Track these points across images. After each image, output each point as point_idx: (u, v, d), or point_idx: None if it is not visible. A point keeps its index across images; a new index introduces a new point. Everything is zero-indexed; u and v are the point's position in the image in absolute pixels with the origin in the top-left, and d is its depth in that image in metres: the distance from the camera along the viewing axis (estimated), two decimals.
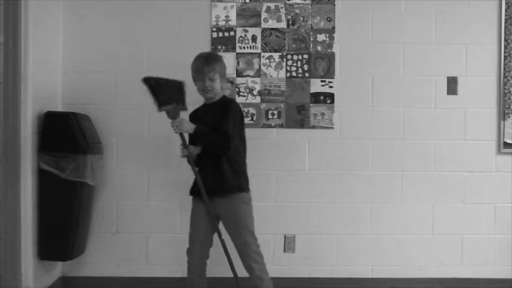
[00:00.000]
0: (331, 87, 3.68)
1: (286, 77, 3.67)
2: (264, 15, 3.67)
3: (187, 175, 3.62)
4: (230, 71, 3.65)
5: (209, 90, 2.94)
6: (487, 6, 3.69)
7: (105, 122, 3.61)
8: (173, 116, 2.90)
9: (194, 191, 2.98)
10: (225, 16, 3.66)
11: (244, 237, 2.89)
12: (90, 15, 3.64)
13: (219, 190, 2.89)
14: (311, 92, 3.68)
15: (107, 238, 3.63)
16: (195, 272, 2.97)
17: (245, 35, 3.67)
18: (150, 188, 3.64)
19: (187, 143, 2.97)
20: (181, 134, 2.92)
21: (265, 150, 3.65)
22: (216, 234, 2.97)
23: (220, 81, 2.98)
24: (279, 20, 3.68)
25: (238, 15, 3.67)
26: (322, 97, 3.68)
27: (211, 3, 3.66)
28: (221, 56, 3.07)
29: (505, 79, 3.69)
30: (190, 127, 2.89)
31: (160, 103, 2.89)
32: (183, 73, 3.65)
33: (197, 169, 2.94)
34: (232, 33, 3.67)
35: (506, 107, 3.69)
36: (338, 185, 3.68)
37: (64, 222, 3.26)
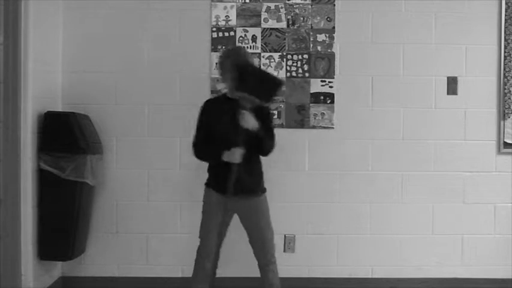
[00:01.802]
0: (331, 87, 3.68)
1: (286, 77, 3.67)
2: (264, 15, 3.67)
3: (187, 175, 3.64)
4: None
5: (233, 91, 2.89)
6: (487, 6, 3.69)
7: (105, 122, 3.61)
8: (243, 106, 2.76)
9: (220, 187, 2.88)
10: (225, 16, 3.66)
11: (267, 239, 2.93)
12: (90, 15, 3.64)
13: (252, 190, 2.91)
14: (311, 92, 3.68)
15: (107, 238, 3.63)
16: (206, 267, 2.93)
17: (245, 35, 3.67)
18: (150, 188, 3.64)
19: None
20: (242, 131, 2.75)
21: None
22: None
23: None
24: (279, 20, 3.68)
25: (238, 15, 3.67)
26: (322, 97, 3.68)
27: (211, 3, 3.66)
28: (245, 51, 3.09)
29: (505, 79, 3.69)
30: (254, 124, 2.76)
31: (237, 87, 2.78)
32: (183, 73, 3.67)
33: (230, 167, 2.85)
34: (232, 33, 3.67)
35: (506, 107, 3.69)
36: (338, 185, 3.68)
37: (64, 222, 3.26)
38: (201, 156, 2.97)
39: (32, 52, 3.16)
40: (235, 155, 2.76)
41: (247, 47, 3.66)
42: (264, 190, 2.98)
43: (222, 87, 3.63)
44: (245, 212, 2.95)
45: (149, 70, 3.65)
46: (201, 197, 3.61)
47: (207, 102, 3.03)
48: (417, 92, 3.69)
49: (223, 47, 3.64)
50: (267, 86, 2.81)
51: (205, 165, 3.64)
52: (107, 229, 3.63)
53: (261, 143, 2.84)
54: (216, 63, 2.85)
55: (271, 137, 2.89)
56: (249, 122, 2.74)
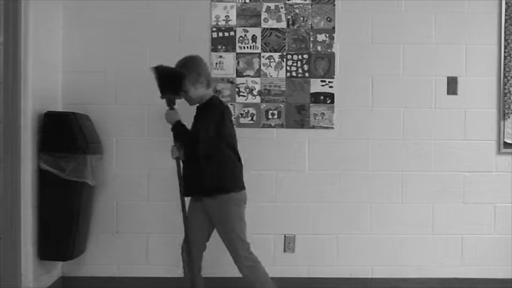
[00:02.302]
0: (331, 87, 3.68)
1: (286, 77, 3.67)
2: (264, 15, 3.67)
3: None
4: (230, 71, 3.65)
5: (189, 101, 3.02)
6: (487, 6, 3.69)
7: (105, 122, 3.61)
8: (167, 104, 2.98)
9: (187, 191, 2.98)
10: (225, 16, 3.66)
11: (231, 240, 2.89)
12: (90, 15, 3.64)
13: (197, 190, 2.92)
14: (311, 92, 3.68)
15: (107, 238, 3.63)
16: (192, 268, 2.96)
17: (245, 35, 3.67)
18: (150, 188, 3.64)
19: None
20: (172, 129, 2.97)
21: (265, 150, 3.65)
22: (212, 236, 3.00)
23: (194, 86, 2.95)
24: (279, 20, 3.68)
25: (238, 15, 3.67)
26: (322, 97, 3.68)
27: (211, 3, 3.66)
28: (188, 61, 3.00)
29: (505, 79, 3.69)
30: (171, 119, 2.96)
31: (161, 91, 2.97)
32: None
33: (182, 167, 2.98)
34: (232, 33, 3.67)
35: (506, 107, 3.69)
36: (338, 185, 3.68)
37: (64, 222, 3.26)
38: None
39: (32, 52, 3.16)
40: (171, 151, 2.99)
41: (248, 47, 3.66)
42: (223, 191, 2.87)
43: (221, 88, 3.66)
44: (210, 214, 2.94)
45: (149, 70, 3.65)
46: None
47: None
48: (417, 92, 3.69)
49: (223, 47, 3.65)
50: (176, 79, 2.92)
51: None
52: (107, 229, 3.63)
53: (180, 138, 2.94)
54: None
55: (193, 129, 2.93)
56: (168, 118, 2.97)
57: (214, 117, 2.88)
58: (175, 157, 2.97)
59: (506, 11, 3.69)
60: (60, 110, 3.54)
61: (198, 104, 3.03)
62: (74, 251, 3.35)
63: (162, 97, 2.97)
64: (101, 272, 3.62)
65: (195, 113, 3.04)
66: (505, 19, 3.69)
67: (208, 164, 2.86)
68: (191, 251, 2.94)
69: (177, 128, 2.94)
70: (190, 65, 2.96)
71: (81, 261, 3.59)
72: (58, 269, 3.58)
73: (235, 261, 2.91)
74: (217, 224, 2.93)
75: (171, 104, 2.97)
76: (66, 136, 3.23)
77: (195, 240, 2.97)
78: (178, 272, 3.57)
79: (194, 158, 2.88)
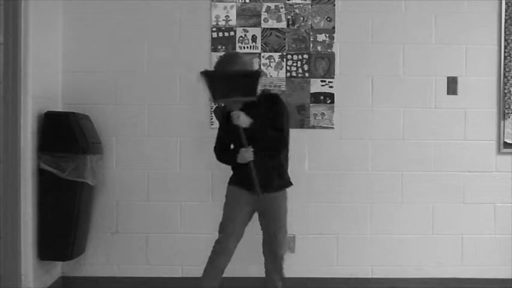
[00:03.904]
0: (331, 87, 3.68)
1: (286, 77, 3.67)
2: (264, 15, 3.67)
3: (187, 175, 3.64)
4: None
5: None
6: (487, 6, 3.69)
7: (105, 122, 3.61)
8: (230, 108, 2.86)
9: (243, 183, 2.91)
10: (225, 16, 3.66)
11: (280, 235, 2.94)
12: (90, 15, 3.64)
13: (270, 186, 2.90)
14: (311, 92, 3.68)
15: (107, 238, 3.63)
16: (220, 263, 2.91)
17: (245, 35, 3.67)
18: (150, 188, 3.64)
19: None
20: (241, 130, 2.82)
21: None
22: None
23: None
24: (279, 20, 3.68)
25: (238, 15, 3.67)
26: (322, 97, 3.68)
27: (211, 3, 3.66)
28: (239, 57, 2.99)
29: (505, 79, 3.69)
30: (247, 121, 2.82)
31: (214, 97, 2.86)
32: (183, 73, 3.67)
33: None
34: (232, 33, 3.67)
35: (506, 107, 3.69)
36: (338, 185, 3.68)
37: (64, 222, 3.26)
38: (221, 161, 3.06)
39: (32, 52, 3.16)
40: (245, 156, 2.84)
41: (248, 47, 3.66)
42: (286, 186, 2.98)
43: None
44: (265, 209, 2.95)
45: (149, 70, 3.66)
46: (201, 196, 3.64)
47: (225, 108, 3.06)
48: (417, 92, 3.69)
49: (223, 47, 3.65)
50: (245, 81, 2.82)
51: (204, 165, 3.65)
52: (107, 229, 3.63)
53: (258, 138, 2.84)
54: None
55: (277, 124, 2.85)
56: (241, 120, 2.79)
57: (286, 111, 2.92)
58: (251, 159, 2.85)
59: (506, 11, 3.69)
60: (60, 110, 3.54)
61: None
62: (74, 251, 3.35)
63: (220, 102, 2.87)
64: (100, 272, 3.62)
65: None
66: (505, 19, 3.69)
67: (280, 160, 2.93)
68: (232, 244, 2.92)
69: (259, 126, 2.82)
70: (245, 61, 2.97)
71: (81, 261, 3.59)
72: (58, 269, 3.58)
73: (276, 255, 2.94)
74: (273, 218, 2.94)
75: (233, 108, 2.84)
76: (66, 136, 3.23)
77: (239, 234, 2.94)
78: (178, 271, 3.60)
79: (267, 154, 2.88)
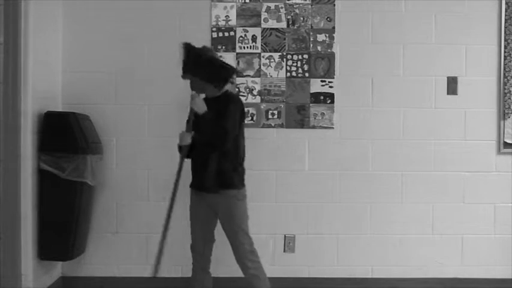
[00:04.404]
0: (331, 87, 3.68)
1: (286, 77, 3.67)
2: (264, 15, 3.67)
3: (187, 175, 3.63)
4: None
5: (206, 91, 2.93)
6: (487, 6, 3.69)
7: (105, 122, 3.61)
8: (192, 87, 2.87)
9: (195, 184, 2.95)
10: (225, 16, 3.66)
11: (237, 236, 2.88)
12: (90, 16, 3.64)
13: (206, 186, 2.88)
14: (311, 92, 3.68)
15: (107, 238, 3.63)
16: (199, 267, 2.96)
17: (245, 35, 3.67)
18: (150, 188, 3.64)
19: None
20: (192, 114, 2.85)
21: (265, 150, 3.65)
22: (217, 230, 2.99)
23: None
24: (279, 20, 3.68)
25: (238, 15, 3.67)
26: (322, 97, 3.68)
27: (211, 3, 3.66)
28: (211, 50, 3.02)
29: (505, 79, 3.69)
30: (202, 107, 2.81)
31: (184, 70, 2.86)
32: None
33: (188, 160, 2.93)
34: (232, 33, 3.67)
35: (506, 107, 3.69)
36: (338, 185, 3.68)
37: (64, 222, 3.26)
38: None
39: (32, 52, 3.17)
40: (181, 137, 2.87)
41: (248, 47, 3.66)
42: (230, 186, 2.88)
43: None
44: (217, 210, 2.94)
45: (149, 70, 3.66)
46: None
47: None
48: (417, 92, 3.69)
49: (223, 47, 3.65)
50: (217, 71, 2.84)
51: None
52: (107, 229, 3.63)
53: (205, 129, 2.80)
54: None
55: (221, 121, 2.77)
56: (196, 102, 2.81)
57: (237, 111, 2.86)
58: (187, 144, 2.86)
59: (506, 11, 3.69)
60: (60, 110, 3.54)
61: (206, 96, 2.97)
62: (74, 251, 3.35)
63: (186, 77, 2.84)
64: (100, 272, 3.62)
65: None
66: (505, 19, 3.69)
67: (221, 159, 2.84)
68: (202, 248, 2.95)
69: (211, 117, 2.79)
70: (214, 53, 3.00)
71: (81, 261, 3.59)
72: (58, 269, 3.58)
73: (240, 257, 2.90)
74: (225, 219, 2.92)
75: (196, 89, 2.87)
76: (66, 136, 3.23)
77: (204, 235, 2.95)
78: (178, 271, 3.59)
79: (206, 152, 2.84)
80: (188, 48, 2.85)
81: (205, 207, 2.94)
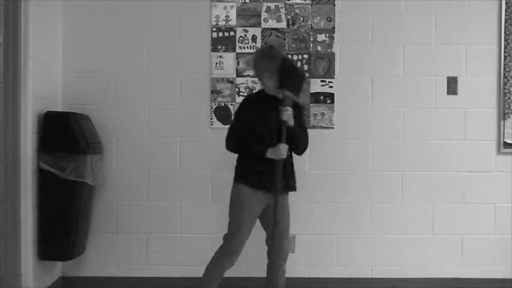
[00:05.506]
0: (331, 87, 3.68)
1: None
2: (264, 15, 3.67)
3: (187, 175, 3.64)
4: (230, 71, 3.65)
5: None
6: (487, 6, 3.69)
7: (105, 122, 3.61)
8: (285, 103, 2.82)
9: (263, 182, 2.86)
10: (225, 16, 3.66)
11: (288, 232, 3.01)
12: (90, 16, 3.64)
13: (293, 186, 3.01)
14: (311, 92, 3.68)
15: (107, 238, 3.63)
16: (229, 264, 2.91)
17: (245, 35, 3.67)
18: (150, 188, 3.64)
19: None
20: (285, 127, 2.81)
21: None
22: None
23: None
24: (279, 20, 3.68)
25: (238, 15, 3.67)
26: (322, 97, 3.68)
27: (211, 3, 3.66)
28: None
29: (505, 79, 3.69)
30: (292, 120, 2.84)
31: (282, 85, 2.82)
32: (183, 73, 3.67)
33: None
34: (232, 33, 3.67)
35: (506, 107, 3.69)
36: (338, 185, 3.68)
37: (64, 222, 3.26)
38: (238, 150, 2.93)
39: (32, 52, 3.16)
40: (281, 151, 2.80)
41: (248, 47, 3.66)
42: (295, 186, 3.06)
43: (221, 88, 3.66)
44: (268, 210, 2.94)
45: (149, 70, 3.66)
46: (201, 196, 3.63)
47: (249, 98, 3.08)
48: (417, 92, 3.69)
49: (223, 47, 3.64)
50: (297, 80, 2.89)
51: (204, 165, 3.65)
52: (107, 229, 3.63)
53: (298, 140, 2.91)
54: (250, 61, 3.19)
55: (306, 134, 2.97)
56: (291, 118, 2.82)
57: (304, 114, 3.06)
58: (285, 157, 2.85)
59: (506, 11, 3.69)
60: (60, 110, 3.54)
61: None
62: (74, 251, 3.35)
63: (289, 92, 2.81)
64: (101, 272, 3.62)
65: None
66: (505, 19, 3.69)
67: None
68: (243, 246, 2.93)
69: (296, 129, 2.87)
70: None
71: (81, 261, 3.59)
72: (58, 269, 3.58)
73: (278, 260, 2.96)
74: (284, 217, 2.99)
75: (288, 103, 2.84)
76: (66, 136, 3.23)
77: (248, 237, 2.93)
78: (178, 271, 3.59)
79: (291, 157, 2.96)
80: (286, 64, 2.87)
81: (261, 208, 2.94)
